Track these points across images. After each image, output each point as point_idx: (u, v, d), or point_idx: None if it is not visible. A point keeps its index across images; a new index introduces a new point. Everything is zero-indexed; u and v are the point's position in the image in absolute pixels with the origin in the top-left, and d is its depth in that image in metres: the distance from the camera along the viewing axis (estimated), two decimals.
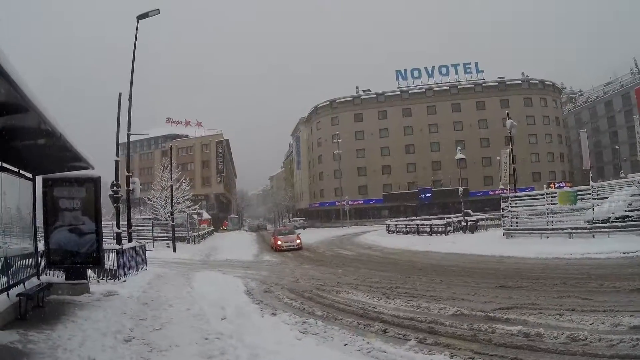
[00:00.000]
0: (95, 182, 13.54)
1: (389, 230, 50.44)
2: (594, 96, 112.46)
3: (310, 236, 54.37)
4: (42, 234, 13.56)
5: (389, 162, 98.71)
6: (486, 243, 28.58)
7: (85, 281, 13.88)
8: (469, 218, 43.34)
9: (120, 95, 22.31)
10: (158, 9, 22.99)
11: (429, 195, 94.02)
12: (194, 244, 48.43)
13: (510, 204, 30.46)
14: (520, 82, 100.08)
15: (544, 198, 28.08)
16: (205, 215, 75.42)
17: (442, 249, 28.90)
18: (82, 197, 13.39)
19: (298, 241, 38.91)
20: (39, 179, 12.93)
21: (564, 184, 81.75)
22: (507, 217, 30.50)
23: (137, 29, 23.27)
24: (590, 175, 31.35)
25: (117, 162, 21.97)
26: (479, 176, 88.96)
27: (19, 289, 10.48)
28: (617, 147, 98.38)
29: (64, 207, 13.30)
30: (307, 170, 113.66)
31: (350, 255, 30.56)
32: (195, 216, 61.44)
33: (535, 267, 18.63)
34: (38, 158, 11.37)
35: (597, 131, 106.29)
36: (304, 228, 76.05)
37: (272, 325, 10.55)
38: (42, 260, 13.34)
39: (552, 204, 27.27)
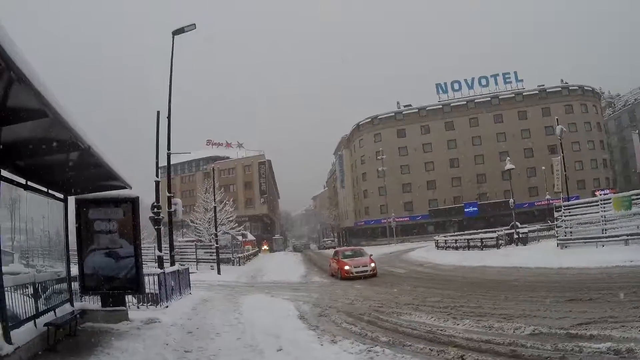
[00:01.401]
0: (134, 202, 12.68)
1: (437, 246, 48.74)
2: (632, 99, 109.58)
3: None
4: (76, 258, 12.63)
5: (433, 177, 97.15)
6: (541, 255, 27.48)
7: (123, 308, 12.91)
8: (520, 230, 41.47)
9: (158, 113, 21.44)
10: (194, 24, 22.16)
11: (475, 209, 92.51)
12: (239, 265, 47.67)
13: (564, 213, 29.07)
14: (560, 89, 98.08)
15: (598, 205, 26.78)
16: (250, 237, 74.73)
17: (496, 263, 27.88)
18: (119, 218, 12.54)
19: (372, 265, 28.49)
20: (72, 200, 12.08)
21: (607, 191, 78.96)
22: (561, 226, 29.22)
23: (173, 45, 22.41)
24: None
25: (157, 183, 20.99)
26: (524, 187, 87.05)
27: (49, 316, 9.61)
28: None
29: (99, 229, 12.43)
30: (351, 188, 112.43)
31: (403, 274, 29.35)
32: (240, 237, 60.83)
33: (599, 277, 17.59)
34: (68, 176, 10.54)
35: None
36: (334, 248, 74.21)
37: (334, 356, 9.40)
38: (76, 285, 12.45)
39: (606, 211, 25.91)
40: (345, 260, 29.59)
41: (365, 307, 15.96)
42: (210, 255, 42.40)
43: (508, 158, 48.11)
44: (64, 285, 11.34)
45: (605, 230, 25.97)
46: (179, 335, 11.45)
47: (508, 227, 52.71)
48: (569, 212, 28.86)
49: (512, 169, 43.86)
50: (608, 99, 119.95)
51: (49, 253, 10.60)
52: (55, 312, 10.09)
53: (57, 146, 7.97)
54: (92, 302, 13.46)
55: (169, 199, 22.87)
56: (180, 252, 40.72)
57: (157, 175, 20.93)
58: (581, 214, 28.13)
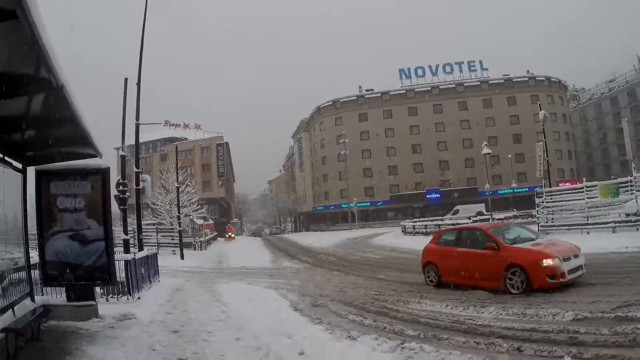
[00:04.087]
0: (104, 174, 10.56)
1: (405, 232, 48.15)
2: (598, 93, 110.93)
3: (320, 240, 52.61)
4: (37, 243, 10.48)
5: (395, 163, 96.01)
6: None
7: (92, 302, 10.76)
8: (495, 216, 40.68)
9: (126, 80, 19.11)
10: None
11: (437, 195, 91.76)
12: (201, 250, 46.24)
13: (546, 199, 28.89)
14: (526, 79, 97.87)
15: (582, 191, 27.06)
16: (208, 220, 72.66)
17: None
18: (86, 193, 10.41)
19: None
20: (31, 171, 9.96)
21: (568, 183, 79.10)
22: (542, 213, 28.94)
23: (146, 4, 20.33)
24: (633, 166, 31.12)
25: (123, 158, 18.60)
26: (489, 175, 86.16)
27: (7, 317, 7.57)
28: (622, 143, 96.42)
29: (63, 207, 10.30)
30: (310, 172, 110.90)
31: (380, 259, 27.91)
32: (202, 221, 58.95)
33: (602, 262, 16.71)
34: (28, 137, 8.46)
35: (603, 127, 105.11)
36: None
37: (366, 357, 7.80)
38: (36, 275, 10.37)
39: (591, 198, 26.24)
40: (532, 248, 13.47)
41: (360, 296, 14.82)
42: (172, 239, 40.75)
43: (485, 143, 47.39)
44: (23, 276, 9.24)
45: (589, 217, 26.18)
46: (163, 336, 9.46)
47: (474, 215, 52.13)
48: (551, 199, 28.78)
49: (489, 153, 43.04)
50: (572, 92, 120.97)
51: (4, 237, 8.54)
52: (14, 310, 8.07)
53: (19, 78, 5.95)
54: (56, 295, 11.34)
55: (137, 175, 20.75)
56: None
57: (122, 149, 18.61)
58: (564, 201, 28.13)
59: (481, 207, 74.92)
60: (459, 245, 15.12)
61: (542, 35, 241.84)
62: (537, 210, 29.66)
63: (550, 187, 32.21)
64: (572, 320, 9.02)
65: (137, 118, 21.29)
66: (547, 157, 35.35)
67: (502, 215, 44.92)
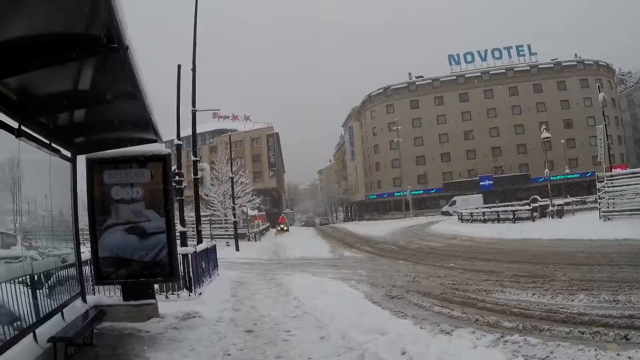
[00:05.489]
0: (165, 160, 9.65)
1: (462, 219, 46.58)
2: None
3: (375, 229, 51.34)
4: (88, 237, 9.56)
5: (447, 150, 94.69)
6: (586, 227, 26.00)
7: (152, 301, 9.80)
8: (556, 202, 39.06)
9: (179, 67, 18.19)
10: None
11: (490, 182, 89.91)
12: (255, 241, 45.62)
13: (607, 184, 28.07)
14: (575, 63, 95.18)
15: None
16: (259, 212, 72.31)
17: (541, 236, 26.14)
18: (145, 182, 9.50)
19: None
20: (81, 160, 9.05)
21: (619, 168, 76.97)
22: (604, 198, 28.10)
23: None
24: None
25: (178, 146, 17.60)
26: (540, 161, 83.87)
27: (55, 321, 6.69)
28: None
29: (119, 197, 9.40)
30: (362, 161, 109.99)
31: (443, 248, 26.77)
32: (257, 212, 58.50)
33: None
34: (80, 121, 7.55)
35: None
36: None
37: (474, 353, 7.05)
38: (87, 270, 9.56)
39: None
40: None
41: (437, 286, 13.95)
42: (226, 230, 40.53)
43: (544, 127, 45.15)
44: (73, 274, 8.39)
45: None
46: (236, 338, 8.43)
47: (527, 201, 50.69)
48: (612, 184, 28.04)
49: (549, 138, 41.45)
50: (619, 76, 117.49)
51: (52, 232, 7.65)
52: (62, 313, 7.20)
53: (66, 35, 5.01)
54: (110, 294, 10.45)
55: (195, 163, 19.84)
56: (193, 227, 38.30)
57: (177, 137, 17.64)
58: (626, 185, 27.30)
59: (479, 198, 75.50)
60: None
61: (585, 15, 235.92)
62: (599, 196, 28.62)
63: (604, 172, 30.74)
64: None
65: (194, 105, 20.49)
66: (607, 140, 33.71)
67: (560, 201, 42.98)
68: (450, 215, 66.49)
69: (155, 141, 9.13)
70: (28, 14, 4.28)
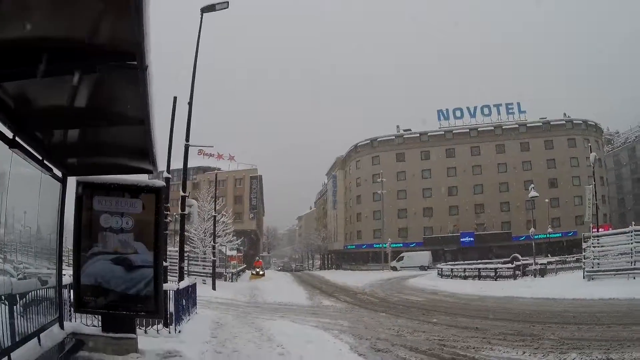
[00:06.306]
0: (158, 193, 9.29)
1: (442, 275, 46.38)
2: (633, 136, 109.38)
3: (353, 279, 51.17)
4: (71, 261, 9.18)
5: (430, 204, 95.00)
6: (570, 286, 26.47)
7: (133, 335, 9.28)
8: (539, 261, 39.16)
9: (175, 98, 18.02)
10: (227, 2, 18.94)
11: (471, 239, 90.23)
12: (232, 281, 45.15)
13: (593, 243, 28.09)
14: (564, 122, 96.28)
15: (630, 235, 26.13)
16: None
17: (524, 294, 26.33)
18: (136, 213, 9.06)
19: None
20: (72, 181, 8.72)
21: (602, 229, 77.81)
22: (589, 257, 28.16)
23: (200, 24, 19.22)
24: None
25: (167, 180, 17.19)
26: (522, 220, 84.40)
27: (30, 347, 6.26)
28: None
29: (107, 225, 8.93)
30: (343, 210, 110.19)
31: (423, 302, 26.52)
32: (234, 252, 58.02)
33: None
34: (74, 141, 7.26)
35: (637, 172, 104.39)
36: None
37: None
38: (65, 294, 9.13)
39: (637, 242, 25.38)
40: None
41: (423, 341, 13.59)
42: (203, 268, 40.30)
43: (532, 185, 46.00)
44: (52, 297, 7.98)
45: (635, 262, 25.34)
46: None
47: (508, 260, 50.79)
48: (598, 242, 28.22)
49: (536, 196, 41.47)
50: (606, 136, 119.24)
51: (35, 250, 7.30)
52: (39, 338, 6.78)
53: (78, 44, 4.63)
54: (88, 322, 10.02)
55: (183, 199, 19.43)
56: (172, 263, 37.86)
57: (167, 170, 17.29)
58: (610, 245, 27.59)
59: (426, 255, 77.83)
60: None
61: (575, 78, 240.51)
62: (583, 255, 28.77)
63: (590, 232, 31.55)
64: None
65: (187, 139, 20.12)
66: (595, 200, 35.69)
67: (543, 260, 42.96)
68: (397, 270, 70.05)
69: (150, 172, 8.87)
70: (43, 14, 4.05)
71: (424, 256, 77.29)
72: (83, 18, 4.18)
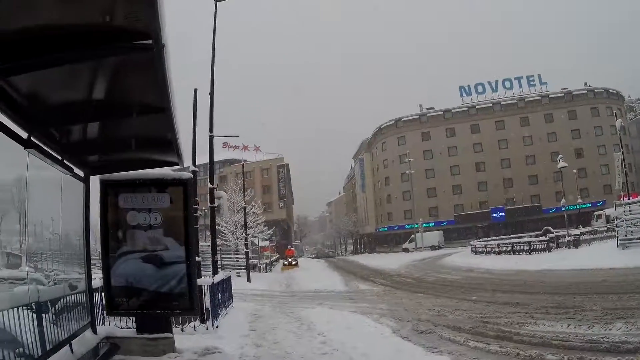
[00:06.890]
0: (186, 185, 8.96)
1: (475, 252, 45.99)
2: None
3: (387, 261, 50.68)
4: (100, 264, 8.92)
5: (459, 182, 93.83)
6: (606, 256, 25.94)
7: (169, 334, 9.01)
8: (572, 232, 38.32)
9: (195, 91, 17.72)
10: None
11: (502, 214, 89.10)
12: (266, 272, 45.02)
13: (625, 211, 27.63)
14: (585, 91, 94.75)
15: None
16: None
17: (560, 267, 25.89)
18: (164, 208, 8.77)
19: None
20: (94, 180, 8.44)
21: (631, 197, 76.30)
22: (622, 226, 27.75)
23: (215, 11, 18.92)
24: None
25: (194, 173, 16.93)
26: (551, 192, 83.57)
27: (62, 354, 6.00)
28: None
29: (135, 223, 8.68)
30: (372, 193, 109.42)
31: (461, 280, 26.13)
32: (267, 242, 57.95)
33: None
34: (94, 137, 6.98)
35: None
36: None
37: None
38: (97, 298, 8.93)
39: None
40: None
41: (465, 319, 13.41)
42: (237, 260, 40.37)
43: (560, 156, 44.78)
44: (83, 302, 7.77)
45: None
46: None
47: (540, 232, 50.18)
48: (630, 211, 27.53)
49: (565, 167, 40.46)
50: (628, 103, 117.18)
51: (62, 256, 7.06)
52: (71, 345, 6.53)
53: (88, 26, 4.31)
54: (122, 325, 9.79)
55: (212, 191, 19.15)
56: (204, 257, 37.79)
57: (193, 164, 17.00)
58: None
59: (437, 235, 79.95)
60: None
61: (594, 45, 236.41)
62: (617, 224, 28.54)
63: (621, 199, 30.90)
64: None
65: (211, 130, 20.00)
66: (625, 168, 34.82)
67: (576, 231, 42.13)
68: (410, 251, 70.60)
69: (176, 164, 8.56)
70: None
71: (435, 236, 78.35)
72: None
